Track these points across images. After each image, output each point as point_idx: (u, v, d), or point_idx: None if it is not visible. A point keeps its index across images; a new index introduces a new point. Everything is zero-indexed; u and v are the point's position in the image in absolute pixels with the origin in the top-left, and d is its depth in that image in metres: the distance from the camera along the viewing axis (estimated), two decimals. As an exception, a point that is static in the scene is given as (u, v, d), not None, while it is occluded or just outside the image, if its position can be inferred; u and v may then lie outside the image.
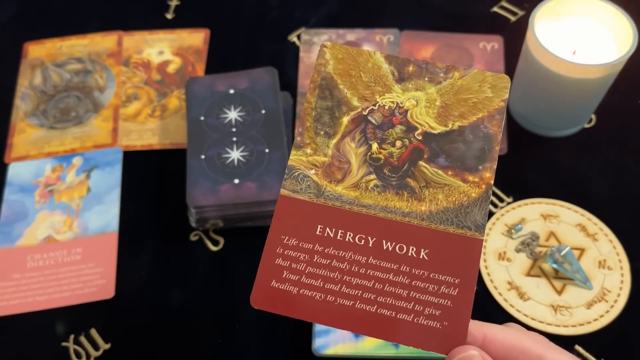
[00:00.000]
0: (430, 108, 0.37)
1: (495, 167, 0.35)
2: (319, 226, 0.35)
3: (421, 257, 0.34)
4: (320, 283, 0.34)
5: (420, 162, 0.36)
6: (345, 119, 0.37)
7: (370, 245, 0.34)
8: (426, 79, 0.37)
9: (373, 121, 0.37)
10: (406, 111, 0.37)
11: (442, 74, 0.38)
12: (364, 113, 0.37)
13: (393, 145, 0.36)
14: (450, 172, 0.35)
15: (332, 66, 0.38)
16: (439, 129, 0.36)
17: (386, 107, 0.37)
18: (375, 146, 0.36)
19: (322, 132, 0.37)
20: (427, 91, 0.37)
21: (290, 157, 0.36)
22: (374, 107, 0.37)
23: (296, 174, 0.36)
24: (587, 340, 0.56)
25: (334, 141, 0.37)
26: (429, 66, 0.38)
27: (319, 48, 0.39)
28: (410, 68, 0.38)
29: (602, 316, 0.56)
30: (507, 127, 0.68)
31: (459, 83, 0.37)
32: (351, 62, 0.38)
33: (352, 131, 0.37)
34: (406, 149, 0.36)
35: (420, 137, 0.36)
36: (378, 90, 0.37)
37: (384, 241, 0.34)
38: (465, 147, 0.36)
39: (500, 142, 0.36)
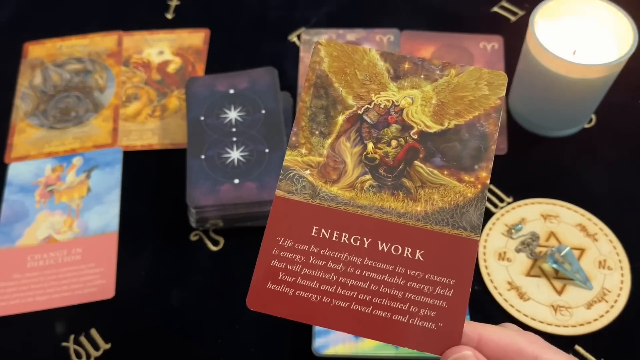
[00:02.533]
0: (426, 106, 0.36)
1: (491, 166, 0.35)
2: (315, 227, 0.35)
3: (416, 258, 0.34)
4: (315, 284, 0.34)
5: (416, 162, 0.35)
6: (341, 118, 0.37)
7: (365, 246, 0.34)
8: (422, 76, 0.37)
9: (368, 120, 0.36)
10: (402, 110, 0.36)
11: (438, 71, 0.37)
12: (360, 112, 0.37)
13: (389, 144, 0.36)
14: (446, 172, 0.35)
15: (327, 64, 0.38)
16: (434, 127, 0.36)
17: (382, 106, 0.37)
18: (370, 146, 0.36)
19: (317, 132, 0.36)
20: (423, 89, 0.37)
21: (286, 157, 0.36)
22: (369, 106, 0.37)
23: (291, 174, 0.36)
24: (587, 340, 0.56)
25: (329, 141, 0.36)
26: (425, 63, 0.37)
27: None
28: (406, 65, 0.37)
29: (602, 316, 0.56)
30: (507, 127, 0.68)
31: (455, 80, 0.37)
32: (346, 59, 0.38)
33: (348, 130, 0.36)
34: (402, 149, 0.36)
35: (415, 137, 0.36)
36: (373, 89, 0.37)
37: (379, 242, 0.34)
38: (461, 146, 0.35)
39: (496, 141, 0.36)
